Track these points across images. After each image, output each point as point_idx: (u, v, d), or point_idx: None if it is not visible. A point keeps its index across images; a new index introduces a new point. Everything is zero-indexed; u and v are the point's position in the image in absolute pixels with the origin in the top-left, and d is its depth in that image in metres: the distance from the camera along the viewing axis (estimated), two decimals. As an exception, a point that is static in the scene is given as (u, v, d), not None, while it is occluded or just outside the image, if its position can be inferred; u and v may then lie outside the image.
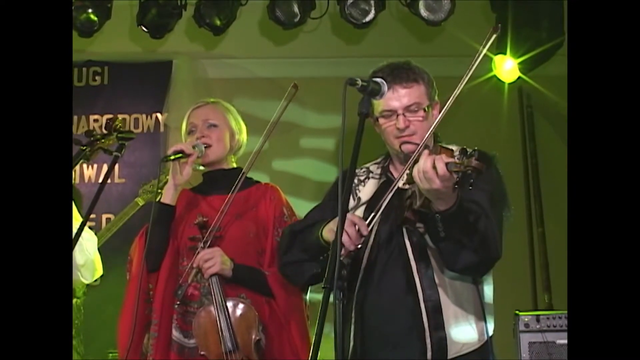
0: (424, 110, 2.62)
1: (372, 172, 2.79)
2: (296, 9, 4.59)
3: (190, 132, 3.21)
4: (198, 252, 3.02)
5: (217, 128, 3.19)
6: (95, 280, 3.38)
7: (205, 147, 3.15)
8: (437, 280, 2.55)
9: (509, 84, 4.99)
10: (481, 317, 2.60)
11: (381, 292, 2.58)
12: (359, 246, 2.48)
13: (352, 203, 2.73)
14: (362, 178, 2.79)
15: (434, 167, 2.21)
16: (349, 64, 5.01)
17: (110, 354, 4.23)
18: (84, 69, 5.28)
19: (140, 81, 5.30)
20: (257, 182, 3.29)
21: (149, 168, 5.00)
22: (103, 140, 3.17)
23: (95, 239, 3.42)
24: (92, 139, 3.11)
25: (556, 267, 4.96)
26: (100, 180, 3.13)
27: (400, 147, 2.61)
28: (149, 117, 5.24)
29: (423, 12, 4.51)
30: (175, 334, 3.05)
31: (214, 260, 2.98)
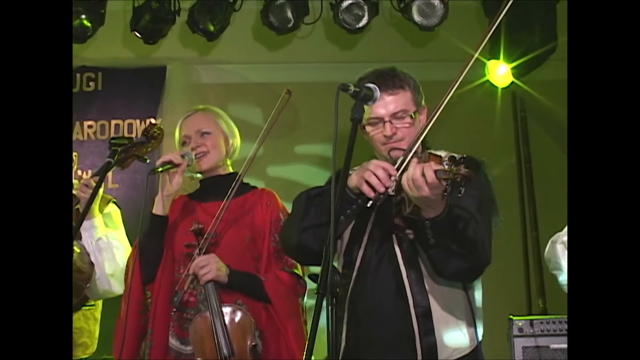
0: (411, 117, 2.60)
1: None
2: (290, 15, 4.60)
3: (184, 143, 3.21)
4: (193, 259, 3.02)
5: (210, 135, 3.19)
6: None
7: (201, 155, 3.14)
8: (427, 286, 2.55)
9: (502, 88, 5.00)
10: (471, 322, 2.60)
11: (373, 295, 2.58)
12: (389, 190, 2.39)
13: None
14: None
15: (423, 175, 2.21)
16: (343, 69, 4.98)
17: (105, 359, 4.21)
18: (78, 75, 5.27)
19: (134, 87, 5.30)
20: (254, 187, 3.29)
21: (142, 174, 4.94)
22: (139, 148, 3.19)
23: (124, 247, 3.38)
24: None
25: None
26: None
27: (389, 153, 2.60)
28: (143, 122, 5.23)
29: (416, 17, 4.51)
30: (172, 341, 3.05)
31: (209, 267, 2.98)
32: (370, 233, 2.61)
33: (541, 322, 4.04)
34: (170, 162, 3.06)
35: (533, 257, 5.16)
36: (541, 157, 5.28)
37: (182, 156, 3.10)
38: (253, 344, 2.97)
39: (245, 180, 3.23)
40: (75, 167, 3.55)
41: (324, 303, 2.06)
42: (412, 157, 2.37)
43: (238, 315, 3.00)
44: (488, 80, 4.86)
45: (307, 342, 2.02)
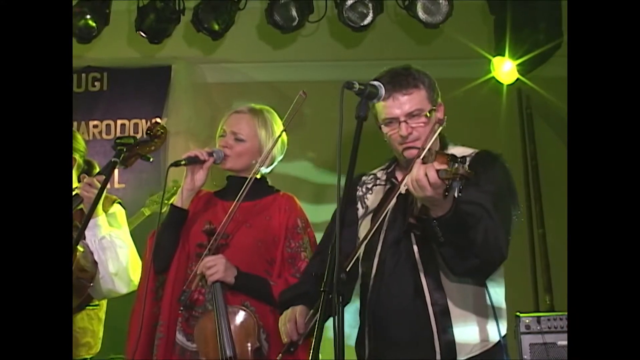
0: (426, 116, 2.61)
1: (379, 179, 2.80)
2: (294, 13, 4.60)
3: (221, 136, 3.20)
4: (202, 259, 3.02)
5: (242, 142, 3.14)
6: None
7: (226, 156, 3.13)
8: (444, 284, 2.55)
9: (508, 85, 4.99)
10: (490, 318, 2.59)
11: (390, 297, 2.58)
12: (300, 342, 2.70)
13: (360, 211, 2.76)
14: (369, 186, 2.80)
15: (426, 175, 2.22)
16: (348, 67, 5.02)
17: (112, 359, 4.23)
18: (83, 75, 5.29)
19: (139, 86, 5.31)
20: (277, 191, 3.26)
21: (148, 173, 5.00)
22: (142, 146, 3.19)
23: (128, 246, 3.37)
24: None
25: (557, 268, 4.96)
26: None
27: (402, 153, 2.61)
28: (148, 122, 5.23)
29: (421, 15, 4.51)
30: (179, 336, 3.05)
31: (215, 267, 2.98)
32: (385, 238, 2.62)
33: (548, 319, 4.04)
34: (195, 158, 3.07)
35: (540, 254, 5.16)
36: (547, 154, 5.27)
37: (211, 153, 3.10)
38: (256, 346, 2.97)
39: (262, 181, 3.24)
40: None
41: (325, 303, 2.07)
42: (423, 156, 2.38)
43: (243, 317, 2.99)
44: (493, 77, 4.85)
45: (313, 341, 2.02)
